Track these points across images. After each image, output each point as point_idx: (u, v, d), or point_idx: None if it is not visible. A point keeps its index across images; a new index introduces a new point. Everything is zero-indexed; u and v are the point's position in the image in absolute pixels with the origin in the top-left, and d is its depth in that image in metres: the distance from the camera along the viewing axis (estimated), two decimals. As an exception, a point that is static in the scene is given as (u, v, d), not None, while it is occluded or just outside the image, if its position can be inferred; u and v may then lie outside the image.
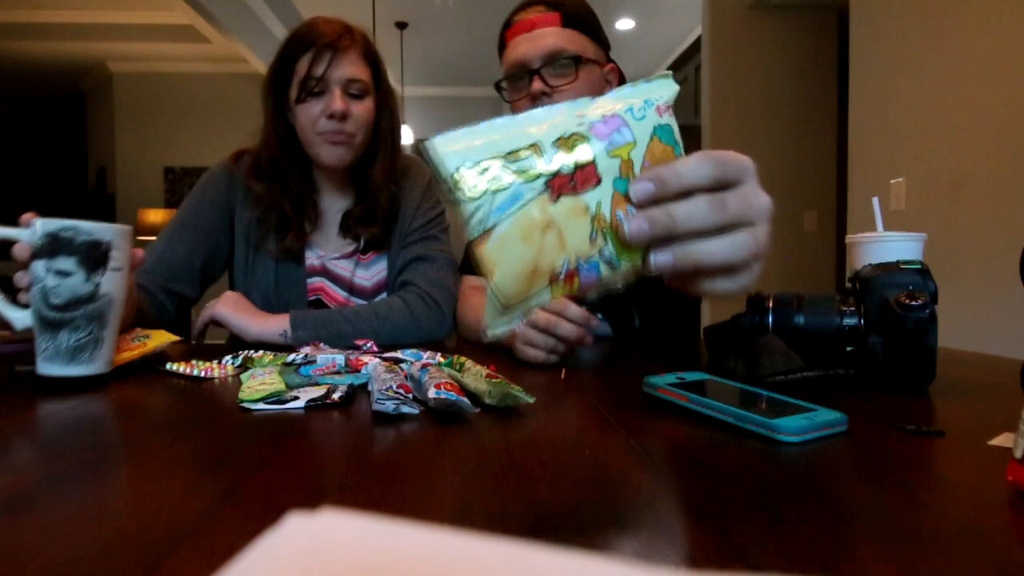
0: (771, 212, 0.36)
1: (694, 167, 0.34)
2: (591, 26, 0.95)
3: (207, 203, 1.01)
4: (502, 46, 0.98)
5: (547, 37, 0.91)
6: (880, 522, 0.27)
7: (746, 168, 0.36)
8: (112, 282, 0.58)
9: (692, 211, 0.34)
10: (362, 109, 0.96)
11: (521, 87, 0.93)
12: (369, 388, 0.52)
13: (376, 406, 0.45)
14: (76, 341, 0.56)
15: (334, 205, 1.05)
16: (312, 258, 1.03)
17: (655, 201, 0.33)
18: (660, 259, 0.34)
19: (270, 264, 1.01)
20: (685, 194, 0.34)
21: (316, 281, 1.03)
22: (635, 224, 0.33)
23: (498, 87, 0.97)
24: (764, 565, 0.23)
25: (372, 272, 1.04)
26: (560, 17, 0.92)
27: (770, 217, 0.36)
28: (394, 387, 0.45)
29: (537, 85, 0.90)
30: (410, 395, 0.44)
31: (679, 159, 0.35)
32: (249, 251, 1.02)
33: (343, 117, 0.94)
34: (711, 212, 0.34)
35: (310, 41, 0.93)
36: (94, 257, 0.56)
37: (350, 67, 0.94)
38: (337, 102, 0.93)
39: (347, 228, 1.03)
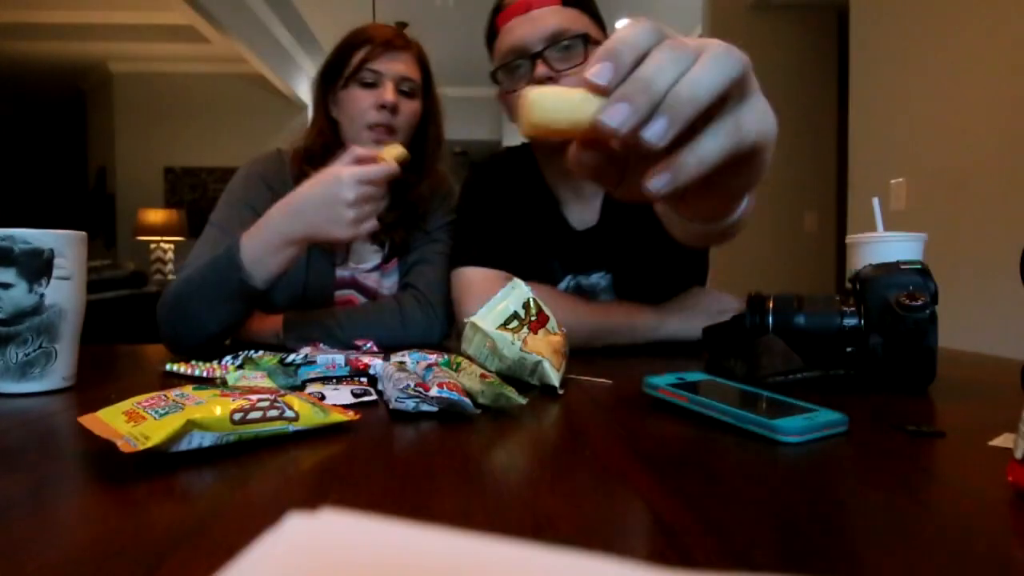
0: (749, 64, 0.33)
1: (638, 31, 0.32)
2: (591, 6, 0.89)
3: (247, 203, 0.96)
4: (492, 34, 0.91)
5: (547, 17, 0.84)
6: (880, 522, 0.27)
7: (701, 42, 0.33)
8: (59, 292, 0.54)
9: (660, 62, 0.31)
10: (411, 108, 0.97)
11: (521, 75, 0.87)
12: (379, 388, 0.52)
13: (395, 405, 0.45)
14: (25, 356, 0.53)
15: None
16: (343, 269, 1.02)
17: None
18: (656, 183, 0.33)
19: (300, 275, 0.98)
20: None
21: (345, 293, 1.02)
22: (612, 112, 0.31)
23: (494, 77, 0.90)
24: (764, 565, 0.23)
25: (392, 281, 1.04)
26: None
27: (750, 68, 0.33)
28: (412, 386, 0.45)
29: (541, 69, 0.83)
30: (429, 393, 0.45)
31: (616, 32, 0.33)
32: None
33: (394, 110, 0.94)
34: (678, 55, 0.31)
35: (368, 38, 0.95)
36: (35, 267, 0.53)
37: (404, 65, 0.96)
38: (389, 94, 0.93)
39: (376, 234, 0.99)
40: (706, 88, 0.31)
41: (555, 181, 0.95)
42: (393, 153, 0.80)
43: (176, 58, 5.38)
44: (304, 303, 0.97)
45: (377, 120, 0.94)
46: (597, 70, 0.31)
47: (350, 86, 0.95)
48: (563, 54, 0.84)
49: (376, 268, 1.03)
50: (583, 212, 0.95)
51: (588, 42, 0.84)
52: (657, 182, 0.33)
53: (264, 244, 0.76)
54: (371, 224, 0.76)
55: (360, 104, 0.94)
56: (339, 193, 0.73)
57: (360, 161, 0.75)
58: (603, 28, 0.90)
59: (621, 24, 0.34)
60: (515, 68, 0.87)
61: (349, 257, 1.02)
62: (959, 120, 2.04)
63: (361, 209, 0.74)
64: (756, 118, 0.34)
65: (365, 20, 1.03)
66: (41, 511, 0.28)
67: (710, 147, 0.32)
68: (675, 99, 0.31)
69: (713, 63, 0.31)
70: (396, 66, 0.95)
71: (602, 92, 0.31)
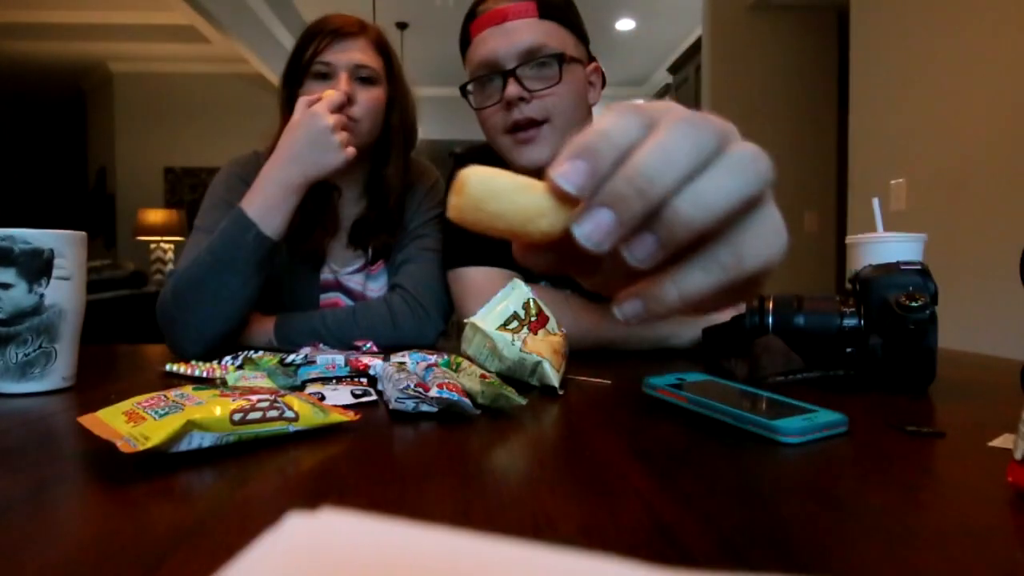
0: (772, 174, 0.25)
1: (623, 122, 0.24)
2: (571, 17, 0.84)
3: (230, 203, 0.95)
4: (465, 42, 0.85)
5: (522, 31, 0.78)
6: (880, 522, 0.27)
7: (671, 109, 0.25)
8: (59, 292, 0.55)
9: (664, 154, 0.23)
10: (369, 97, 0.92)
11: (492, 91, 0.82)
12: (379, 388, 0.53)
13: (395, 405, 0.45)
14: (25, 356, 0.53)
15: (346, 212, 1.02)
16: (326, 272, 1.01)
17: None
18: (625, 311, 0.26)
19: (283, 276, 0.98)
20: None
21: (331, 296, 1.01)
22: (591, 220, 0.23)
23: (464, 92, 0.85)
24: (764, 565, 0.23)
25: (380, 284, 1.02)
26: (536, 6, 0.79)
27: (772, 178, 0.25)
28: (412, 386, 0.45)
29: (513, 89, 0.78)
30: (429, 393, 0.45)
31: (592, 124, 0.25)
32: None
33: (348, 101, 0.90)
34: (689, 147, 0.23)
35: (320, 28, 0.93)
36: (35, 267, 0.53)
37: (358, 53, 0.92)
38: (342, 84, 0.89)
39: (357, 239, 1.00)
40: (714, 209, 0.23)
41: None
42: (329, 94, 0.84)
43: (176, 58, 5.39)
44: (289, 306, 0.96)
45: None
46: (566, 170, 0.23)
47: (306, 82, 0.92)
48: (537, 72, 0.79)
49: (360, 270, 1.02)
50: None
51: (564, 61, 0.79)
52: (628, 309, 0.26)
53: (265, 199, 0.81)
54: (352, 149, 0.83)
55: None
56: (320, 123, 0.80)
57: (310, 104, 0.82)
58: (584, 40, 0.86)
59: (601, 113, 0.25)
60: (487, 82, 0.82)
61: (329, 260, 1.01)
62: (959, 120, 2.04)
63: (340, 133, 0.81)
64: (764, 243, 0.25)
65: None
66: (41, 511, 0.28)
67: (697, 283, 0.25)
68: (673, 217, 0.23)
69: (729, 175, 0.24)
70: (349, 55, 0.91)
71: (568, 201, 0.24)
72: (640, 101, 0.26)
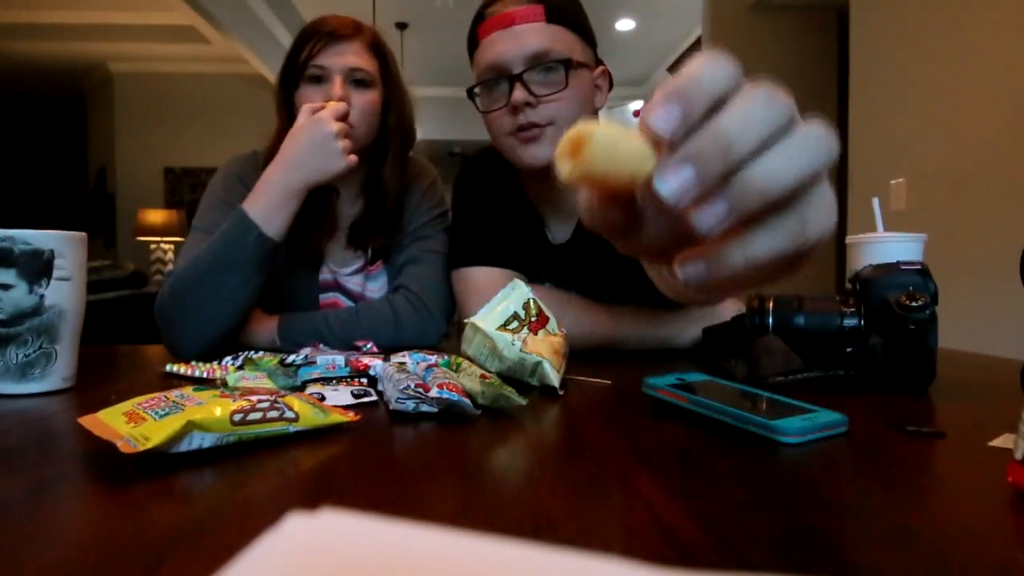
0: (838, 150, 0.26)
1: (716, 68, 0.24)
2: (579, 21, 0.83)
3: (229, 203, 0.95)
4: (473, 44, 0.85)
5: (529, 35, 0.78)
6: (880, 522, 0.27)
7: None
8: (60, 293, 0.55)
9: (746, 119, 0.23)
10: (365, 100, 0.92)
11: (498, 95, 0.82)
12: (380, 388, 0.53)
13: (395, 406, 0.46)
14: (25, 357, 0.53)
15: (344, 213, 1.02)
16: (325, 272, 1.01)
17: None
18: (689, 271, 0.26)
19: (282, 277, 0.98)
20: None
21: (330, 296, 1.01)
22: (672, 175, 0.24)
23: (470, 95, 0.85)
24: (764, 565, 0.23)
25: (379, 284, 1.02)
26: (544, 10, 0.79)
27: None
28: (412, 387, 0.45)
29: (519, 94, 0.79)
30: (429, 393, 0.45)
31: (687, 67, 0.25)
32: None
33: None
34: (769, 114, 0.24)
35: (314, 31, 0.92)
36: (36, 268, 0.53)
37: (352, 56, 0.92)
38: (337, 88, 0.89)
39: (356, 240, 1.00)
40: (786, 180, 0.24)
41: (534, 196, 0.93)
42: (334, 105, 0.86)
43: (176, 58, 5.39)
44: (289, 307, 0.96)
45: None
46: (662, 114, 0.24)
47: (301, 85, 0.92)
48: (544, 77, 0.79)
49: (359, 271, 1.02)
50: (561, 226, 0.93)
51: (570, 67, 0.79)
52: (691, 271, 0.26)
53: (268, 201, 0.82)
54: (355, 157, 0.84)
55: (310, 102, 0.89)
56: (325, 129, 0.81)
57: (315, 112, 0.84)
58: (591, 43, 0.86)
59: (696, 59, 0.25)
60: (494, 86, 0.82)
61: (328, 261, 1.01)
62: (959, 120, 2.04)
63: (343, 141, 0.83)
64: (824, 213, 0.26)
65: (365, 21, 1.01)
66: (41, 511, 0.28)
67: (765, 247, 0.25)
68: (746, 185, 0.24)
69: (804, 150, 0.24)
70: (344, 58, 0.91)
71: (660, 143, 0.25)
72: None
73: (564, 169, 0.26)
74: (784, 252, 0.25)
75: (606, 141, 0.25)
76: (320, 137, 0.81)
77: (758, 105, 0.24)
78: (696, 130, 0.24)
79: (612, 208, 0.29)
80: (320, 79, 0.91)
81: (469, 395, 0.46)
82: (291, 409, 0.39)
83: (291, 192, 0.82)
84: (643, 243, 0.30)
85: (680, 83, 0.24)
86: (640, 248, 0.30)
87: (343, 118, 0.84)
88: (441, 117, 5.83)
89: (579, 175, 0.25)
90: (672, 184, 0.24)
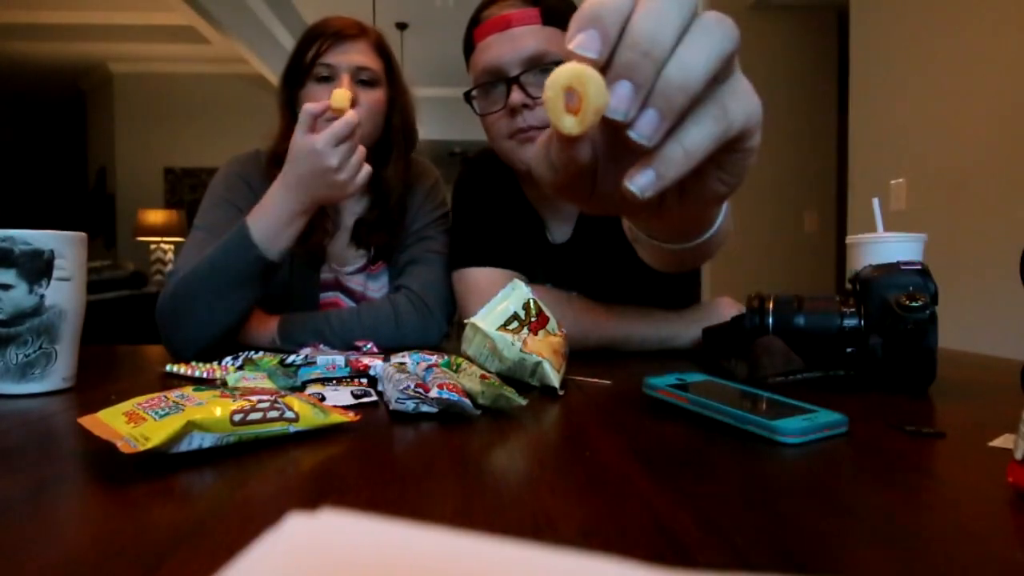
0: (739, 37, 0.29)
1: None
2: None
3: (231, 202, 0.96)
4: (470, 48, 0.86)
5: (526, 38, 0.79)
6: (880, 522, 0.27)
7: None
8: (60, 293, 0.55)
9: (654, 22, 0.26)
10: (371, 98, 0.93)
11: (496, 98, 0.82)
12: (380, 388, 0.53)
13: (395, 406, 0.46)
14: (25, 357, 0.53)
15: (348, 210, 1.02)
16: (326, 271, 1.01)
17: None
18: (639, 182, 0.28)
19: (283, 276, 0.97)
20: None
21: (330, 295, 1.01)
22: (615, 98, 0.26)
23: (468, 98, 0.85)
24: (764, 565, 0.23)
25: (380, 283, 1.02)
26: (540, 13, 0.80)
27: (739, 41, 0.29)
28: (412, 387, 0.45)
29: (517, 96, 0.79)
30: (429, 394, 0.45)
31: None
32: None
33: (351, 103, 0.89)
34: (668, 11, 0.26)
35: (320, 31, 0.93)
36: (36, 268, 0.53)
37: (359, 55, 0.92)
38: (344, 85, 0.89)
39: (359, 238, 1.00)
40: (701, 70, 0.26)
41: (533, 197, 0.94)
42: (341, 98, 0.80)
43: (176, 58, 5.39)
44: (289, 306, 0.96)
45: (336, 116, 0.92)
46: (582, 40, 0.26)
47: (307, 84, 0.92)
48: (540, 79, 0.79)
49: (361, 270, 1.02)
50: (560, 226, 0.94)
51: None
52: (641, 180, 0.28)
53: (274, 220, 0.78)
54: (366, 171, 0.78)
55: (317, 100, 0.87)
56: (324, 163, 0.75)
57: (315, 118, 0.77)
58: None
59: None
60: (491, 89, 0.82)
61: (330, 260, 1.01)
62: (959, 120, 2.04)
63: (349, 165, 0.76)
64: (743, 101, 0.30)
65: (365, 21, 1.01)
66: (41, 511, 0.28)
67: (697, 136, 0.28)
68: (667, 86, 0.26)
69: (705, 37, 0.27)
70: (351, 57, 0.91)
71: (594, 65, 0.26)
72: None
73: (566, 125, 0.27)
74: (715, 138, 0.28)
75: (599, 78, 0.26)
76: (320, 170, 0.76)
77: (654, 8, 0.26)
78: (617, 44, 0.26)
79: (576, 156, 0.30)
80: (327, 78, 0.92)
81: (469, 395, 0.46)
82: (291, 409, 0.39)
83: (296, 213, 0.78)
84: (600, 192, 0.33)
85: (588, 10, 0.26)
86: (600, 202, 0.33)
87: (348, 136, 0.76)
88: (441, 117, 5.83)
89: (588, 125, 0.27)
90: (614, 102, 0.26)
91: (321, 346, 0.74)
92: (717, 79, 0.28)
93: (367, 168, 0.78)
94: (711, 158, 0.30)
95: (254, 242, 0.78)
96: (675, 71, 0.26)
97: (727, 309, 0.86)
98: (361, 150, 0.78)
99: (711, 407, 0.43)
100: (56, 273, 0.54)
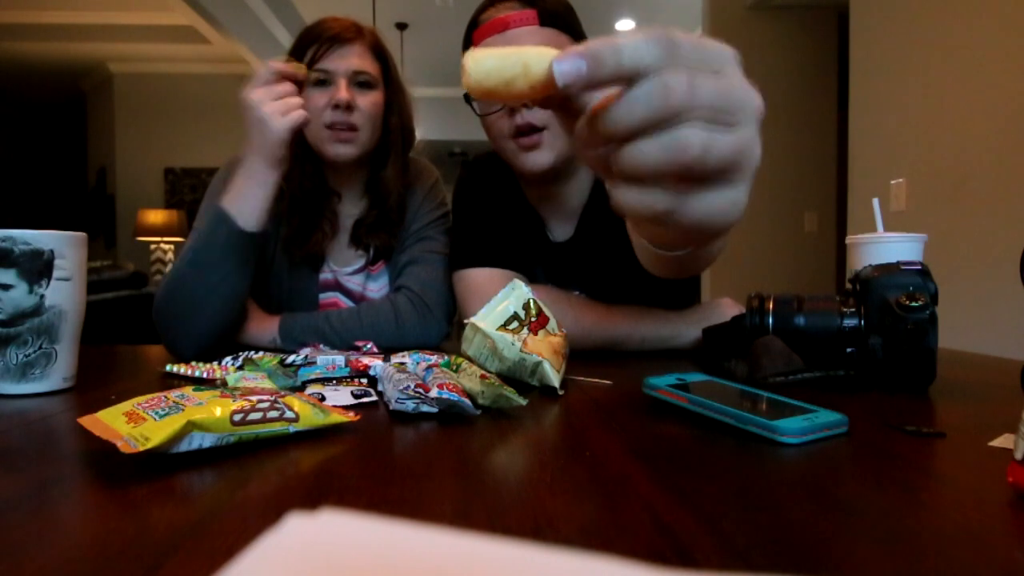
0: (760, 111, 0.29)
1: (639, 45, 0.27)
2: (572, 24, 0.85)
3: None
4: (468, 49, 0.90)
5: (523, 39, 0.80)
6: (880, 522, 0.27)
7: (721, 55, 0.29)
8: (60, 293, 0.55)
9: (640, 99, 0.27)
10: (369, 101, 0.93)
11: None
12: (380, 388, 0.53)
13: (395, 406, 0.45)
14: (25, 357, 0.53)
15: (347, 211, 1.02)
16: (326, 271, 1.02)
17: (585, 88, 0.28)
18: (565, 65, 0.29)
19: (282, 276, 0.99)
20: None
21: (330, 296, 1.01)
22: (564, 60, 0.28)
23: (467, 98, 0.84)
24: (764, 565, 0.23)
25: (380, 284, 1.02)
26: (537, 14, 0.81)
27: (758, 116, 0.29)
28: (412, 387, 0.45)
29: None
30: (429, 394, 0.45)
31: (619, 35, 0.28)
32: (263, 258, 0.99)
33: (348, 107, 0.91)
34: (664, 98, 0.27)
35: (317, 35, 0.93)
36: (36, 268, 0.53)
37: (356, 59, 0.92)
38: (342, 91, 0.90)
39: (358, 239, 1.00)
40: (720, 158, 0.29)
41: (534, 197, 0.94)
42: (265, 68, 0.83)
43: (176, 58, 5.39)
44: (289, 307, 0.96)
45: (333, 119, 0.91)
46: (566, 67, 0.28)
47: (304, 87, 0.92)
48: None
49: (360, 271, 1.02)
50: (562, 225, 0.94)
51: None
52: (565, 64, 0.29)
53: (237, 191, 0.82)
54: (299, 113, 0.80)
55: (315, 105, 0.91)
56: (248, 102, 0.79)
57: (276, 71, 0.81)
58: None
59: (632, 30, 0.29)
60: None
61: (329, 260, 1.01)
62: (959, 120, 2.04)
63: (275, 102, 0.79)
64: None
65: (365, 21, 1.01)
66: (41, 511, 0.28)
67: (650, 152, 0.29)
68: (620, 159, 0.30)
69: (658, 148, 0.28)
70: (347, 61, 0.92)
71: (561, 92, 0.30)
72: (676, 32, 0.29)
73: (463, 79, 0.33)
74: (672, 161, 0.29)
75: (477, 66, 0.32)
76: (248, 111, 0.79)
77: (649, 92, 0.27)
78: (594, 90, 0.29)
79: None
80: (324, 83, 0.92)
81: (469, 395, 0.46)
82: (291, 409, 0.39)
83: (257, 177, 0.81)
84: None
85: (601, 46, 0.28)
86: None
87: (272, 80, 0.80)
88: (441, 117, 5.83)
89: (470, 91, 0.33)
90: (560, 64, 0.29)
91: (321, 346, 0.74)
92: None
93: (300, 112, 0.80)
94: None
95: (225, 213, 0.80)
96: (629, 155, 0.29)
97: (727, 309, 0.86)
98: (295, 99, 0.81)
99: (711, 407, 0.43)
100: (56, 273, 0.54)
